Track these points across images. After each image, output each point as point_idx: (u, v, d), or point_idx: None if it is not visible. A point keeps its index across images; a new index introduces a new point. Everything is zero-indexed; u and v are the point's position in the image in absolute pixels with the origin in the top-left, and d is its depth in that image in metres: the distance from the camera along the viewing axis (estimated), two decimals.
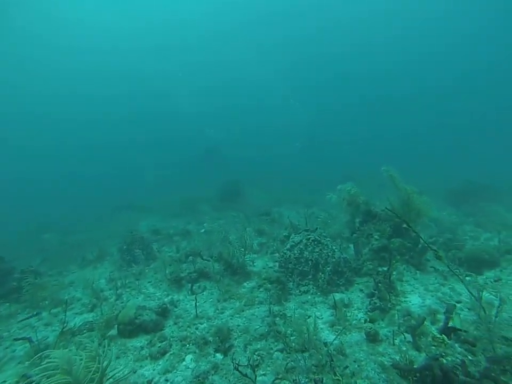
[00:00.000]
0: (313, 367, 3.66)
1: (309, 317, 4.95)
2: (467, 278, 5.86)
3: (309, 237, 6.06)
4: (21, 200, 24.20)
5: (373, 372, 3.57)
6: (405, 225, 6.90)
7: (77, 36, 39.17)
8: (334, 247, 6.19)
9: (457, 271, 6.14)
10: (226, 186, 15.30)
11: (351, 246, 8.21)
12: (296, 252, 5.96)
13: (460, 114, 42.38)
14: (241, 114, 50.59)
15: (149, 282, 6.94)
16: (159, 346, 4.41)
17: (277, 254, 7.79)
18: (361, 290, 5.77)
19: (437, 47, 43.00)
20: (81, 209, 19.13)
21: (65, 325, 5.08)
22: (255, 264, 7.15)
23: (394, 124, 44.55)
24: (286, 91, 40.47)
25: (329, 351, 3.88)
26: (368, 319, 4.71)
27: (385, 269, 6.18)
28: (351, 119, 46.84)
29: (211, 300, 5.83)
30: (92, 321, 5.40)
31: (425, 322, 4.15)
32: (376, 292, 5.30)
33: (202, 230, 10.12)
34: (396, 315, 4.65)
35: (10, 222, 17.20)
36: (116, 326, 5.00)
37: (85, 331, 5.10)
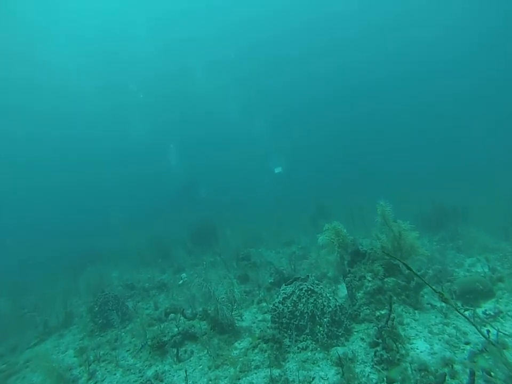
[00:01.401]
0: None
1: (313, 378, 4.49)
2: (466, 313, 5.65)
3: (301, 287, 5.66)
4: None
5: None
6: (396, 262, 6.78)
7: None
8: (328, 295, 5.82)
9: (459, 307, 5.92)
10: (200, 227, 14.69)
11: (340, 286, 7.94)
12: (289, 304, 5.53)
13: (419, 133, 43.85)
14: (210, 148, 49.96)
15: (127, 351, 6.16)
16: None
17: (264, 304, 7.32)
18: (362, 339, 5.39)
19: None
20: (39, 260, 17.54)
21: None
22: (243, 317, 6.59)
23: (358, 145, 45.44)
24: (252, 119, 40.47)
25: None
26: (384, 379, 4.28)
27: (383, 312, 5.90)
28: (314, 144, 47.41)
29: (201, 367, 5.20)
30: None
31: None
32: (379, 340, 4.94)
33: (181, 282, 9.44)
34: (409, 368, 4.28)
35: None
36: None
37: None
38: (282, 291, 5.82)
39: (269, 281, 8.05)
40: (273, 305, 5.80)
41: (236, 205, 23.43)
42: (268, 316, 6.54)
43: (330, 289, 7.47)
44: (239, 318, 6.41)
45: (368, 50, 42.54)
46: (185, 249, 13.92)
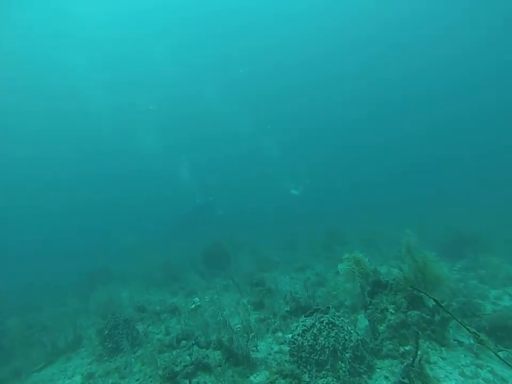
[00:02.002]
0: None
1: None
2: (499, 353, 5.25)
3: (322, 319, 5.38)
4: None
5: None
6: (420, 295, 6.44)
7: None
8: (349, 328, 5.51)
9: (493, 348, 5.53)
10: (212, 249, 14.47)
11: (359, 317, 7.59)
12: (309, 338, 5.23)
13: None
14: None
15: (137, 380, 5.89)
16: None
17: (280, 333, 7.02)
18: (386, 377, 5.05)
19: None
20: (48, 280, 17.41)
21: None
22: (258, 348, 6.27)
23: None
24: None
25: None
26: None
27: (408, 348, 5.55)
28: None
29: None
30: None
31: None
32: (406, 380, 4.61)
33: (193, 306, 9.17)
34: None
35: None
36: None
37: None
38: (302, 323, 5.54)
39: (285, 309, 7.73)
40: (292, 337, 5.52)
41: (249, 226, 23.18)
42: (284, 347, 6.23)
43: (348, 320, 7.13)
44: (254, 348, 6.10)
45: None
46: (197, 272, 13.68)
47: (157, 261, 14.54)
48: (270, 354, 6.13)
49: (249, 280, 11.04)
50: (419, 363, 4.73)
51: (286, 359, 5.57)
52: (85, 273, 15.71)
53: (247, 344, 5.82)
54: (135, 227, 28.32)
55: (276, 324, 7.42)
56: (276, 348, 6.35)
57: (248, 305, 9.17)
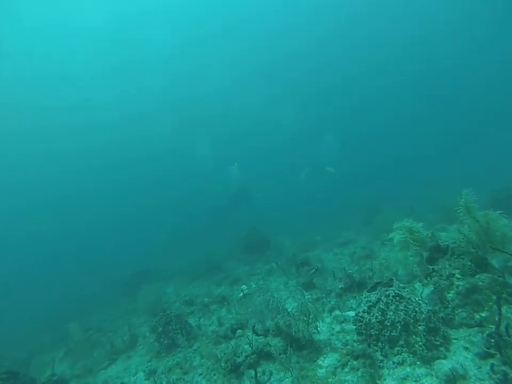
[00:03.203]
0: None
1: None
2: None
3: (387, 293, 4.99)
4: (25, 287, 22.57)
5: None
6: (485, 256, 5.92)
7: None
8: (417, 299, 5.10)
9: None
10: (251, 235, 14.25)
11: (416, 286, 7.15)
12: (377, 314, 4.86)
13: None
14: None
15: (200, 375, 5.76)
16: None
17: (338, 312, 6.69)
18: (466, 348, 4.61)
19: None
20: (95, 285, 17.92)
21: None
22: (319, 329, 5.97)
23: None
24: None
25: None
26: None
27: (484, 315, 5.08)
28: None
29: None
30: None
31: None
32: (492, 351, 4.18)
33: (241, 294, 8.99)
34: None
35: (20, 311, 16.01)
36: None
37: None
38: (366, 299, 5.17)
39: (339, 286, 7.38)
40: (357, 315, 5.18)
41: (286, 208, 22.84)
42: (346, 326, 5.91)
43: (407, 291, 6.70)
44: (315, 331, 5.81)
45: None
46: (238, 259, 13.56)
47: (196, 253, 14.50)
48: (332, 335, 5.82)
49: (293, 261, 10.77)
50: (507, 331, 4.27)
51: (354, 338, 5.24)
52: (128, 275, 15.96)
53: (307, 327, 5.54)
54: (174, 222, 28.45)
55: (331, 303, 7.10)
56: (337, 328, 6.02)
57: (298, 287, 8.94)
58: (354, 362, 4.64)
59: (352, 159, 36.06)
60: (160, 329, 7.41)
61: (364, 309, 5.03)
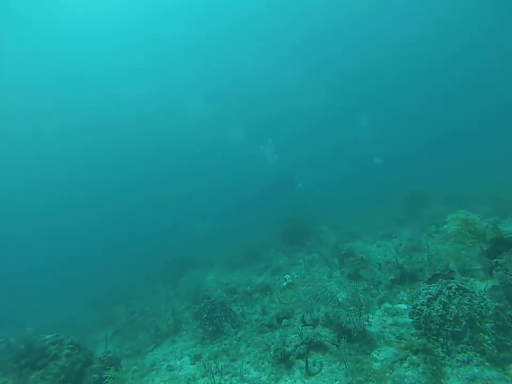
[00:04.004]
0: None
1: None
2: None
3: (449, 285, 4.66)
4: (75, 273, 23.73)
5: None
6: None
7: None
8: (481, 293, 4.74)
9: None
10: (291, 225, 14.06)
11: (472, 280, 6.68)
12: (438, 307, 4.56)
13: None
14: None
15: (248, 362, 5.72)
16: None
17: (388, 304, 6.41)
18: None
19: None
20: (138, 271, 18.48)
21: None
22: (370, 322, 5.73)
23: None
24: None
25: None
26: None
27: None
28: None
29: (338, 382, 4.50)
30: None
31: None
32: None
33: (285, 283, 8.88)
34: None
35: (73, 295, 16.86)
36: None
37: None
38: (425, 291, 4.86)
39: (389, 278, 7.08)
40: (414, 307, 4.89)
41: (327, 197, 22.37)
42: (400, 319, 5.63)
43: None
44: (365, 322, 5.59)
45: None
46: (278, 249, 13.45)
47: (235, 242, 14.56)
48: (384, 327, 5.56)
49: (335, 251, 10.51)
50: None
51: (411, 332, 4.96)
52: (169, 262, 16.32)
53: (359, 319, 5.33)
54: (214, 211, 28.63)
55: (380, 295, 6.82)
56: (389, 320, 5.75)
57: (342, 278, 8.70)
58: (414, 357, 4.38)
59: (393, 148, 34.78)
60: (205, 315, 7.46)
61: (423, 302, 4.73)
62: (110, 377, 5.82)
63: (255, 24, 38.02)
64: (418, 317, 4.75)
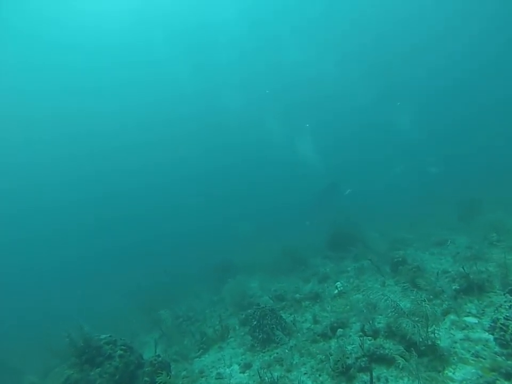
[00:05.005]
0: None
1: None
2: None
3: None
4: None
5: None
6: None
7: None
8: None
9: None
10: (337, 231, 13.60)
11: None
12: None
13: None
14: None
15: (305, 374, 5.43)
16: None
17: (453, 316, 5.89)
18: None
19: None
20: (179, 273, 18.54)
21: None
22: (437, 335, 5.26)
23: None
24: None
25: None
26: None
27: None
28: None
29: None
30: None
31: None
32: None
33: (336, 291, 8.51)
34: None
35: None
36: None
37: None
38: (508, 303, 4.38)
39: (453, 287, 6.54)
40: (495, 322, 4.41)
41: (374, 205, 21.61)
42: (472, 334, 5.12)
43: None
44: (432, 335, 5.13)
45: None
46: (324, 256, 13.03)
47: (280, 248, 14.24)
48: (455, 342, 5.07)
49: (386, 259, 9.98)
50: None
51: (494, 350, 4.46)
52: (212, 267, 16.30)
53: (427, 331, 4.90)
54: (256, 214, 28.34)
55: (444, 306, 6.30)
56: (460, 335, 5.24)
57: (396, 286, 8.21)
58: (506, 383, 3.88)
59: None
60: (255, 322, 7.26)
61: (507, 316, 4.25)
62: (162, 382, 5.77)
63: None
64: (502, 333, 4.26)
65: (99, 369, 5.99)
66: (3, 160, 38.94)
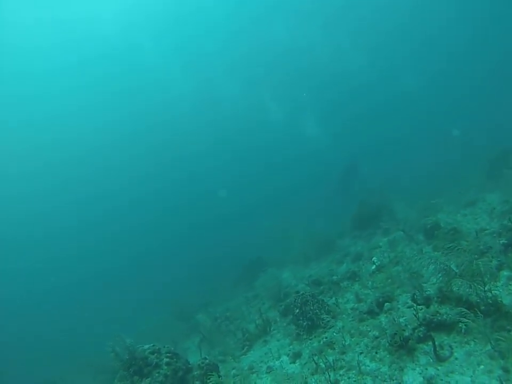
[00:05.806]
0: None
1: None
2: None
3: None
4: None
5: None
6: None
7: None
8: None
9: None
10: (362, 210, 13.23)
11: None
12: None
13: None
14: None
15: (361, 353, 5.18)
16: None
17: (506, 272, 5.54)
18: None
19: None
20: (211, 274, 18.43)
21: None
22: (495, 293, 4.90)
23: None
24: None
25: None
26: None
27: None
28: None
29: (482, 367, 3.80)
30: None
31: None
32: None
33: (373, 267, 8.21)
34: None
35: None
36: None
37: None
38: None
39: (501, 242, 6.18)
40: None
41: (396, 173, 20.98)
42: None
43: None
44: (490, 294, 4.79)
45: None
46: (351, 236, 12.72)
47: (306, 236, 13.93)
48: None
49: (417, 228, 9.63)
50: None
51: None
52: (239, 266, 16.14)
53: (484, 289, 4.59)
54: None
55: (493, 262, 5.94)
56: None
57: (435, 252, 7.86)
58: None
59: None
60: (297, 310, 7.05)
61: None
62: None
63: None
64: None
65: (148, 379, 5.91)
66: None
